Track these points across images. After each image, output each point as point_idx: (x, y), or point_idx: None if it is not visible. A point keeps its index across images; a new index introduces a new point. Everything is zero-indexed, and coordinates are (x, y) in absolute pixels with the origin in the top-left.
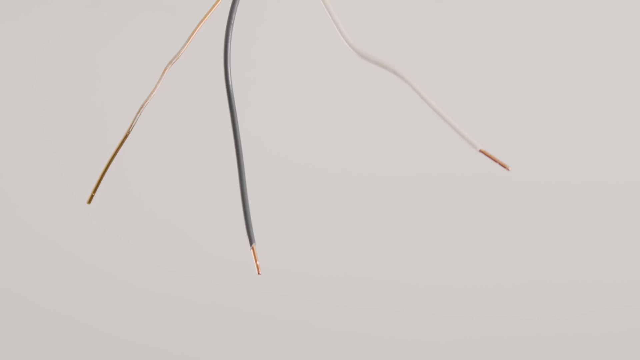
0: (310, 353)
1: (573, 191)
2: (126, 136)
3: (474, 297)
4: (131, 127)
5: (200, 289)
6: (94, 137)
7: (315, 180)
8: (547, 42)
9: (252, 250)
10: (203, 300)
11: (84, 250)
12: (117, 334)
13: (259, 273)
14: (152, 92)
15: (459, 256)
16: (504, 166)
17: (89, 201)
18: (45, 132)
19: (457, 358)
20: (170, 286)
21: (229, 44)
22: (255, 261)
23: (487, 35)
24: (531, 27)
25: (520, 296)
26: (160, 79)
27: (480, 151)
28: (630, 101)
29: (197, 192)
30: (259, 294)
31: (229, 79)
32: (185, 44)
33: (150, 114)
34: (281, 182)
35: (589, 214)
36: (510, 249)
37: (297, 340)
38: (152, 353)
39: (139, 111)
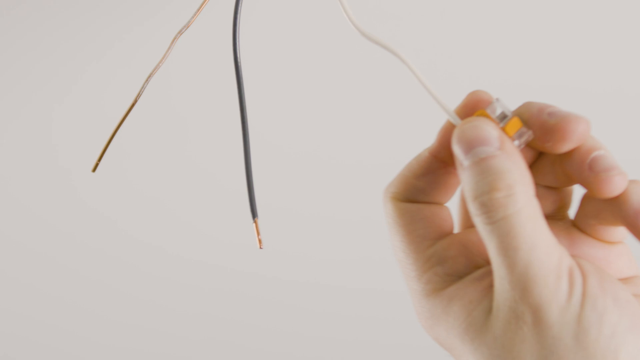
0: (315, 337)
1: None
2: (133, 104)
3: None
4: (138, 95)
5: (204, 273)
6: (101, 106)
7: (318, 170)
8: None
9: (254, 224)
10: (207, 285)
11: (83, 234)
12: (121, 320)
13: (260, 247)
14: (160, 61)
15: None
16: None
17: (94, 169)
18: (50, 105)
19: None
20: (175, 271)
21: (237, 17)
22: (257, 235)
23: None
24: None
25: None
26: (169, 47)
27: None
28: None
29: (201, 176)
30: (262, 278)
31: (238, 53)
32: (194, 15)
33: (157, 85)
34: (286, 172)
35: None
36: None
37: (303, 326)
38: (155, 336)
39: (147, 80)
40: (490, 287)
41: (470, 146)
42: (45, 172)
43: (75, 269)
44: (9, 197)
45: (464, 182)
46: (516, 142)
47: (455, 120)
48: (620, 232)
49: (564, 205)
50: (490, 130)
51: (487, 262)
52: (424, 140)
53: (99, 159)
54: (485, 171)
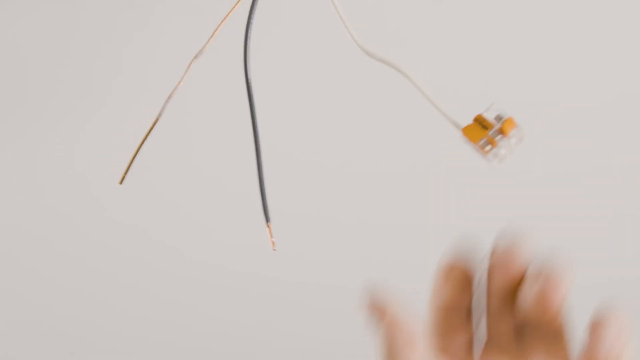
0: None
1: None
2: (155, 122)
3: None
4: (160, 114)
5: (218, 274)
6: (127, 122)
7: (325, 174)
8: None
9: (267, 228)
10: (221, 283)
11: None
12: (139, 314)
13: (273, 249)
14: (178, 84)
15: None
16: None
17: (121, 182)
18: (82, 117)
19: None
20: (190, 271)
21: (248, 42)
22: (270, 238)
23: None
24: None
25: None
26: (185, 72)
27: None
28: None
29: (216, 181)
30: (275, 280)
31: (248, 74)
32: (208, 41)
33: (176, 103)
34: (295, 177)
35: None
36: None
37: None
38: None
39: (167, 100)
40: None
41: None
42: (72, 182)
43: (112, 273)
44: (41, 199)
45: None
46: (513, 140)
47: (458, 127)
48: None
49: None
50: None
51: None
52: (431, 145)
53: (125, 172)
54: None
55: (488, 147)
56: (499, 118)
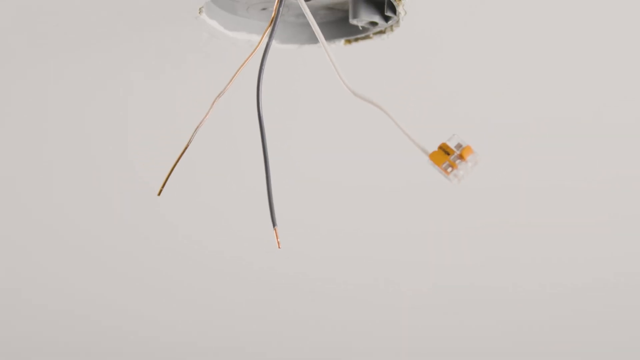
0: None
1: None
2: (186, 148)
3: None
4: (189, 142)
5: (239, 266)
6: (165, 146)
7: (321, 188)
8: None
9: (274, 231)
10: (240, 274)
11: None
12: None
13: (279, 247)
14: (204, 117)
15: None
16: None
17: (159, 193)
18: (131, 143)
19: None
20: (218, 263)
21: (260, 85)
22: (277, 238)
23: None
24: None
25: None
26: (210, 107)
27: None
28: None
29: (238, 191)
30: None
31: (260, 109)
32: (229, 83)
33: (203, 132)
34: (298, 190)
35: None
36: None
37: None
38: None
39: (195, 131)
40: None
41: None
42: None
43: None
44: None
45: None
46: (470, 164)
47: (426, 152)
48: None
49: None
50: None
51: None
52: (402, 167)
53: (162, 187)
54: None
55: (450, 169)
56: (459, 146)
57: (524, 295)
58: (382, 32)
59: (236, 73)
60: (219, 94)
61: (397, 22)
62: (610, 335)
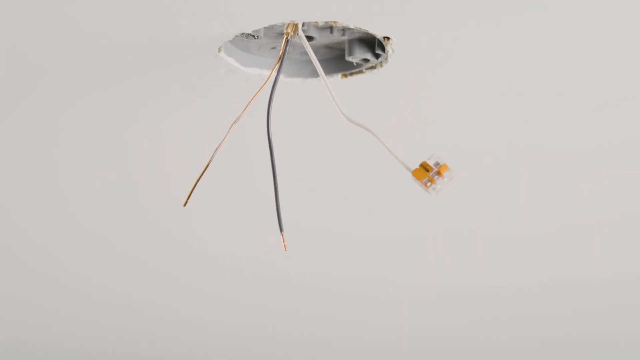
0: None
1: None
2: (207, 166)
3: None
4: (210, 160)
5: (252, 266)
6: (191, 164)
7: (320, 198)
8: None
9: (281, 235)
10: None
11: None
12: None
13: (285, 250)
14: (223, 140)
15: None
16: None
17: (185, 204)
18: (162, 161)
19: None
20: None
21: (270, 112)
22: (283, 242)
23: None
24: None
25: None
26: (228, 131)
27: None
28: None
29: (249, 198)
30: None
31: (270, 133)
32: (243, 110)
33: (222, 153)
34: (302, 201)
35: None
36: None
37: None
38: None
39: (215, 151)
40: None
41: None
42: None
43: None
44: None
45: None
46: (446, 179)
47: (409, 169)
48: None
49: None
50: None
51: None
52: (388, 181)
53: (188, 198)
54: None
55: (429, 184)
56: (437, 164)
57: (517, 293)
58: (373, 67)
59: (250, 102)
60: (235, 120)
61: (386, 59)
62: (610, 335)
